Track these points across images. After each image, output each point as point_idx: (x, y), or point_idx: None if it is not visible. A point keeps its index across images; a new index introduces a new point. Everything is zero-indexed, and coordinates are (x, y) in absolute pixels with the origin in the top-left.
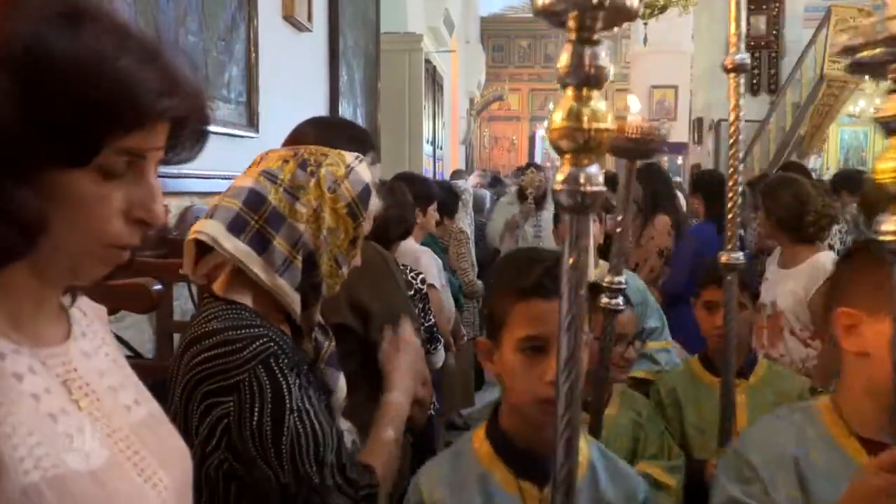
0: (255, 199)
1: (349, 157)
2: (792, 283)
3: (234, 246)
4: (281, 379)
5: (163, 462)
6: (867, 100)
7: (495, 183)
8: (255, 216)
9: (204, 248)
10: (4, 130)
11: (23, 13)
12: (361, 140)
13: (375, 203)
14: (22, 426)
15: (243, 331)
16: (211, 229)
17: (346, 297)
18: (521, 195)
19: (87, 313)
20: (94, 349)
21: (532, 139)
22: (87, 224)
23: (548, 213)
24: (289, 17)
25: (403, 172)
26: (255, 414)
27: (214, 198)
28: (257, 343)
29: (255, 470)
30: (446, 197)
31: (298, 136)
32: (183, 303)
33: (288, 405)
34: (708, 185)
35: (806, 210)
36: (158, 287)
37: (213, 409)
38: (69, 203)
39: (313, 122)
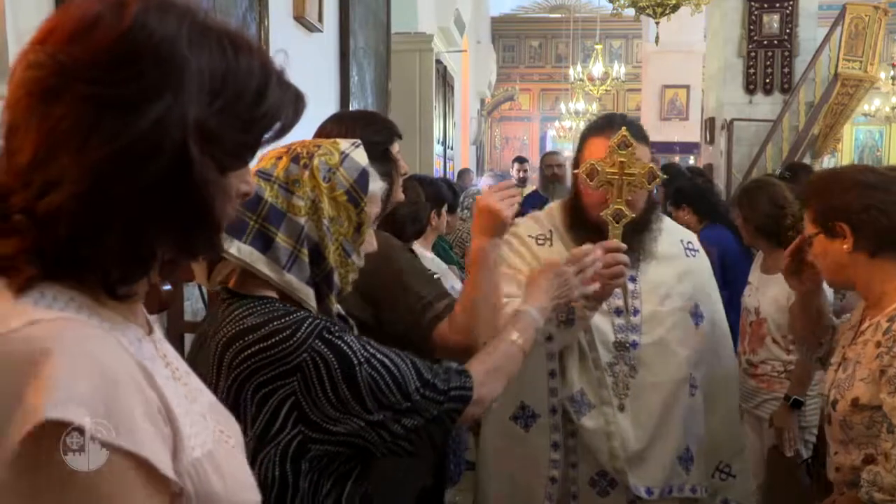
0: (251, 200)
1: (344, 144)
2: (774, 290)
3: (238, 248)
4: (340, 343)
5: (236, 441)
6: (882, 98)
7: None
8: (253, 215)
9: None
10: (220, 143)
11: (206, 46)
12: (386, 129)
13: (378, 186)
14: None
15: (287, 318)
16: None
17: (356, 293)
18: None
19: None
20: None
21: (543, 139)
22: (229, 210)
23: (664, 269)
24: (299, 18)
25: (413, 175)
26: (327, 382)
27: None
28: (306, 324)
29: (341, 427)
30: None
31: (321, 134)
32: (193, 303)
33: (355, 361)
34: (694, 193)
35: (783, 214)
36: (168, 287)
37: (272, 396)
38: (227, 197)
39: (335, 118)
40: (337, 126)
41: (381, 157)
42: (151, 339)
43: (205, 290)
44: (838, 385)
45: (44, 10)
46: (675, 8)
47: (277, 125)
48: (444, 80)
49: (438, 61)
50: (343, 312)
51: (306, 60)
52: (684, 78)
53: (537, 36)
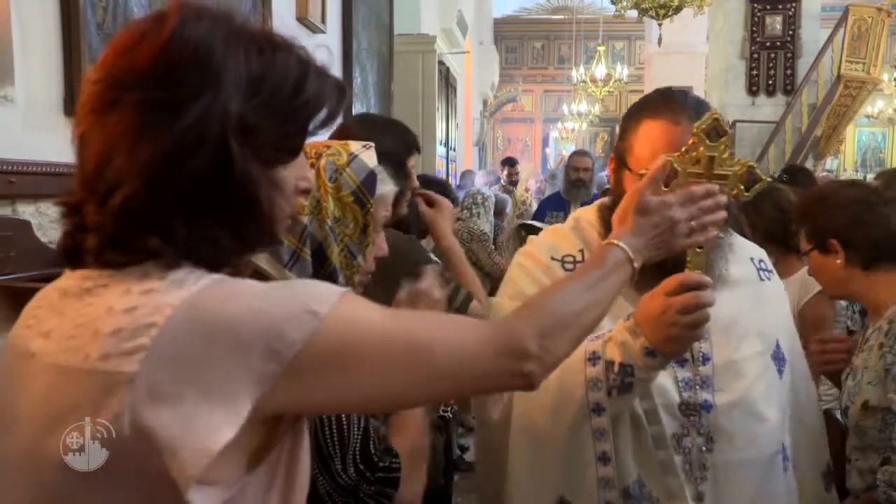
0: None
1: (355, 145)
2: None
3: None
4: None
5: None
6: (885, 100)
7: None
8: None
9: None
10: (261, 135)
11: (241, 46)
12: (406, 140)
13: (388, 188)
14: None
15: None
16: None
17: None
18: None
19: None
20: None
21: (545, 140)
22: (283, 204)
23: (738, 299)
24: (302, 19)
25: (422, 175)
26: None
27: None
28: None
29: None
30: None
31: (343, 133)
32: None
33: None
34: None
35: (789, 219)
36: None
37: None
38: (278, 191)
39: (360, 119)
40: (358, 127)
41: (397, 168)
42: None
43: None
44: (848, 393)
45: (48, 11)
46: (678, 9)
47: (322, 114)
48: (447, 81)
49: (441, 62)
50: None
51: None
52: (687, 79)
53: (540, 37)
